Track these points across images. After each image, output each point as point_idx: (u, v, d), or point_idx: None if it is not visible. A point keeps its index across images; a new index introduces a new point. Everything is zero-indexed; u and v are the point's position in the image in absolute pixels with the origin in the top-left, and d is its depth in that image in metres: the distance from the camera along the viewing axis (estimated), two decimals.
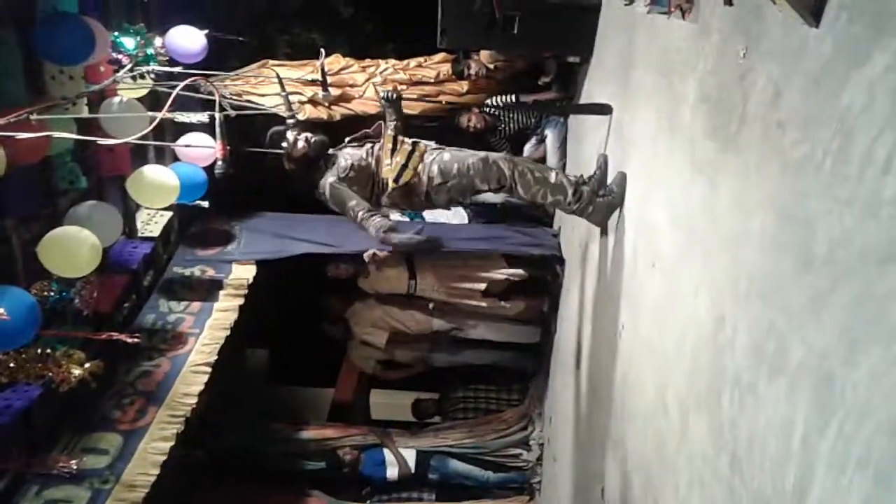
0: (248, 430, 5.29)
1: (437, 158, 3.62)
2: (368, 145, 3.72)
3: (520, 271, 5.27)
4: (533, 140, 5.50)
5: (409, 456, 5.40)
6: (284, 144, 3.68)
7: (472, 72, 5.30)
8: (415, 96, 5.37)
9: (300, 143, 3.66)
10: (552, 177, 3.62)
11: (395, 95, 3.77)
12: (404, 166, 3.62)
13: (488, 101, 5.37)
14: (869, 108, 1.49)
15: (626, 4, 3.27)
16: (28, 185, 3.58)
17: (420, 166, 3.62)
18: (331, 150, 3.73)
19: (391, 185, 3.65)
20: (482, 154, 3.65)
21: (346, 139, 3.77)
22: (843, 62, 1.60)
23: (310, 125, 5.13)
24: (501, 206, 5.46)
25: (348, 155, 3.66)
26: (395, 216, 5.31)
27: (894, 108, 1.40)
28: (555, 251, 5.13)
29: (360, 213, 3.54)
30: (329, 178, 3.60)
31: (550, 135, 5.38)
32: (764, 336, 1.87)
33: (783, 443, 1.73)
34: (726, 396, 2.08)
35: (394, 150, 3.64)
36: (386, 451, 5.38)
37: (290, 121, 3.68)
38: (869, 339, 1.44)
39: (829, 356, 1.57)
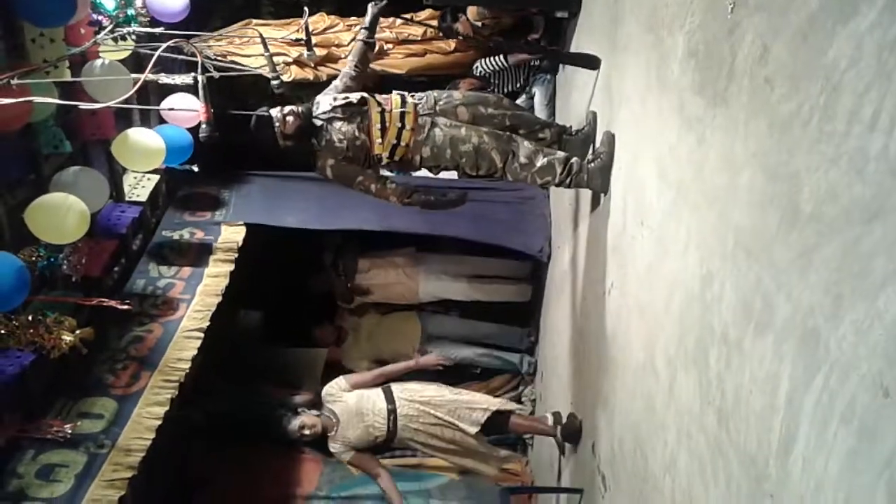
0: (242, 393, 5.32)
1: (431, 138, 3.56)
2: (357, 119, 3.63)
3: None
4: (522, 98, 5.45)
5: None
6: (276, 124, 3.62)
7: (459, 30, 5.22)
8: (401, 55, 5.31)
9: (290, 118, 3.60)
10: (539, 159, 3.54)
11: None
12: (396, 145, 3.60)
13: (477, 65, 5.32)
14: (856, 63, 1.47)
15: None
16: (11, 150, 3.54)
17: (411, 142, 3.58)
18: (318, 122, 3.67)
19: (385, 160, 3.65)
20: (475, 141, 3.55)
21: (331, 105, 3.68)
22: (830, 17, 1.58)
23: (295, 86, 5.10)
24: None
25: (341, 134, 3.57)
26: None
27: (881, 64, 1.39)
28: (536, 242, 5.21)
29: (373, 186, 3.59)
30: (329, 161, 3.58)
31: (538, 92, 5.33)
32: (751, 293, 1.88)
33: (769, 398, 1.75)
34: (713, 353, 2.10)
35: (383, 129, 3.59)
36: None
37: (275, 83, 3.62)
38: (854, 295, 1.45)
39: (814, 312, 1.58)
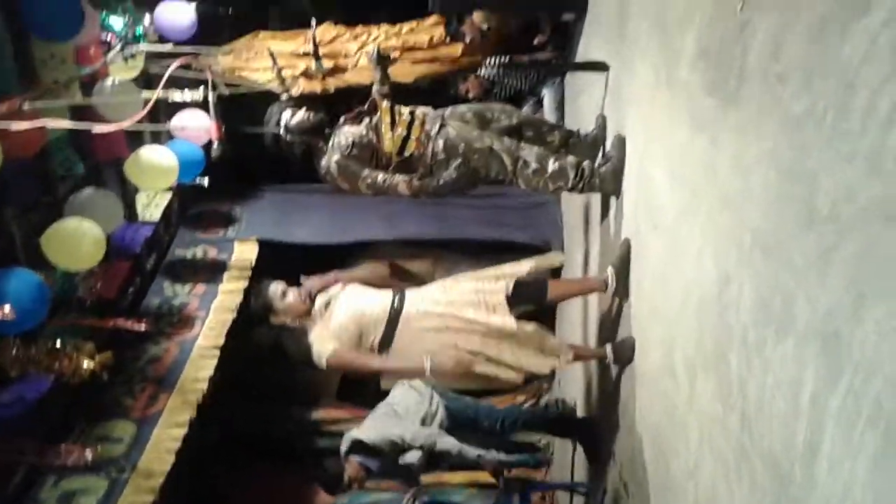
0: (258, 409, 5.32)
1: (444, 133, 3.54)
2: (366, 120, 3.64)
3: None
4: (530, 102, 5.44)
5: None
6: (282, 121, 3.62)
7: (466, 35, 5.22)
8: (408, 63, 5.30)
9: (300, 113, 3.61)
10: (550, 165, 3.50)
11: (383, 54, 3.76)
12: (406, 138, 3.56)
13: (482, 68, 5.30)
14: (870, 60, 1.45)
15: None
16: (25, 173, 3.57)
17: (422, 136, 3.56)
18: (327, 130, 3.67)
19: (394, 158, 3.58)
20: (487, 142, 3.53)
21: (342, 118, 3.69)
22: (842, 13, 1.55)
23: (305, 99, 5.10)
24: None
25: (348, 133, 3.58)
26: None
27: None
28: (550, 239, 5.16)
29: (380, 177, 3.52)
30: (333, 157, 3.54)
31: (547, 95, 5.32)
32: (769, 294, 1.85)
33: (792, 401, 1.72)
34: (733, 356, 2.07)
35: (393, 123, 3.58)
36: None
37: (284, 96, 3.63)
38: (875, 295, 1.42)
39: (835, 313, 1.55)
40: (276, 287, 3.64)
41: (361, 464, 3.72)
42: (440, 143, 3.52)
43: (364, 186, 3.55)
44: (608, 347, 3.44)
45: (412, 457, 3.75)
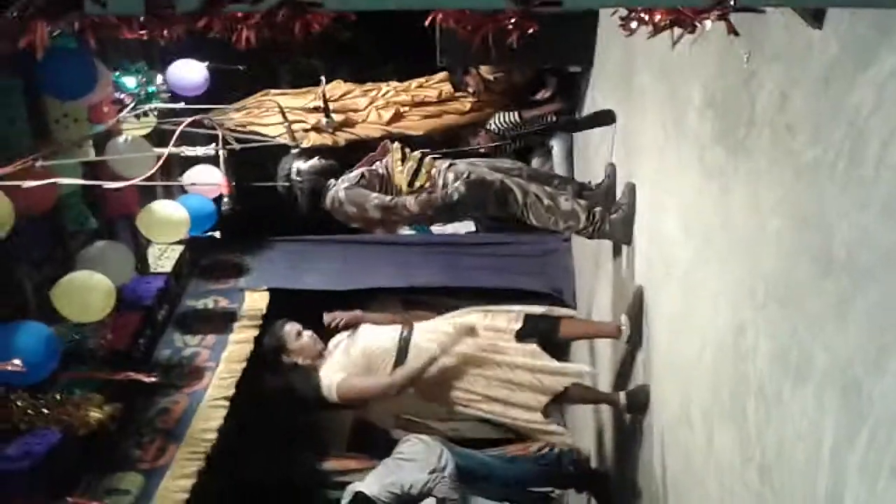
0: (268, 459, 5.26)
1: (454, 168, 3.59)
2: (377, 162, 3.72)
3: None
4: (539, 153, 5.48)
5: None
6: (294, 168, 3.69)
7: (470, 86, 5.29)
8: (418, 117, 5.37)
9: (312, 161, 3.69)
10: (562, 203, 3.53)
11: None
12: (417, 170, 3.61)
13: (491, 122, 5.35)
14: (879, 108, 1.46)
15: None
16: (38, 228, 3.59)
17: (434, 170, 3.60)
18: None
19: (405, 189, 3.61)
20: (499, 176, 3.56)
21: (352, 167, 3.76)
22: (849, 63, 1.57)
23: (315, 151, 5.16)
24: None
25: (358, 169, 3.68)
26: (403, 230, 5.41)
27: None
28: (562, 287, 5.12)
29: (388, 198, 3.55)
30: (341, 185, 3.60)
31: (556, 146, 5.35)
32: (786, 343, 1.83)
33: (813, 451, 1.69)
34: (751, 406, 2.04)
35: (404, 159, 3.65)
36: None
37: (295, 151, 3.69)
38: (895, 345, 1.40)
39: (854, 362, 1.53)
40: (290, 327, 3.67)
41: None
42: (451, 175, 3.55)
43: (372, 208, 3.56)
44: (622, 395, 3.41)
45: None
